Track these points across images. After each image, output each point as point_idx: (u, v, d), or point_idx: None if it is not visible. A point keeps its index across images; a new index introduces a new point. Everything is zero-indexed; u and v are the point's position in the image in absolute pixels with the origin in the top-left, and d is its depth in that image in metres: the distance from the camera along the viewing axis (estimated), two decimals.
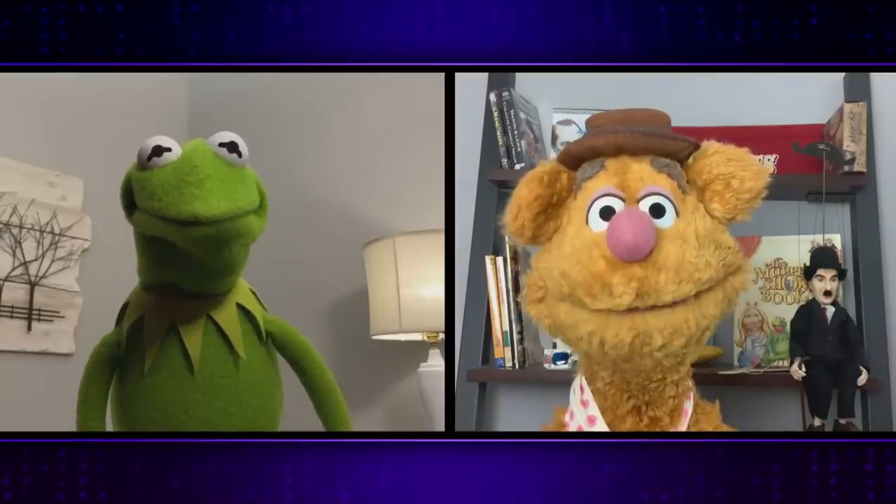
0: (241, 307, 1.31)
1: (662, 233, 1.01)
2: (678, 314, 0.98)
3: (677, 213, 1.06)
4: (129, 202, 1.23)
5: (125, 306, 1.33)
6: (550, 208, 1.14)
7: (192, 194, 1.13)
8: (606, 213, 1.06)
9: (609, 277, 0.97)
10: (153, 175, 1.17)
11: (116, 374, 1.30)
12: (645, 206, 1.06)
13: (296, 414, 1.42)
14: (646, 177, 1.08)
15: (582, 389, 1.17)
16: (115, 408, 1.30)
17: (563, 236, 1.11)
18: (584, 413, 1.15)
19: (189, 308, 1.26)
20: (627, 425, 1.12)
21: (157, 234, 1.19)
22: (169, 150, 1.18)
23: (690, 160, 1.13)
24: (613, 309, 0.98)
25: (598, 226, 1.06)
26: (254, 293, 1.37)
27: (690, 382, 1.17)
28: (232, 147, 1.20)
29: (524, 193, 1.13)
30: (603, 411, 1.14)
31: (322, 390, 1.36)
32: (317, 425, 1.38)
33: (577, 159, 1.16)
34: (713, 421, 1.18)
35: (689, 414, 1.13)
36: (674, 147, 1.12)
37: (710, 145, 1.12)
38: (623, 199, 1.07)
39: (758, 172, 1.08)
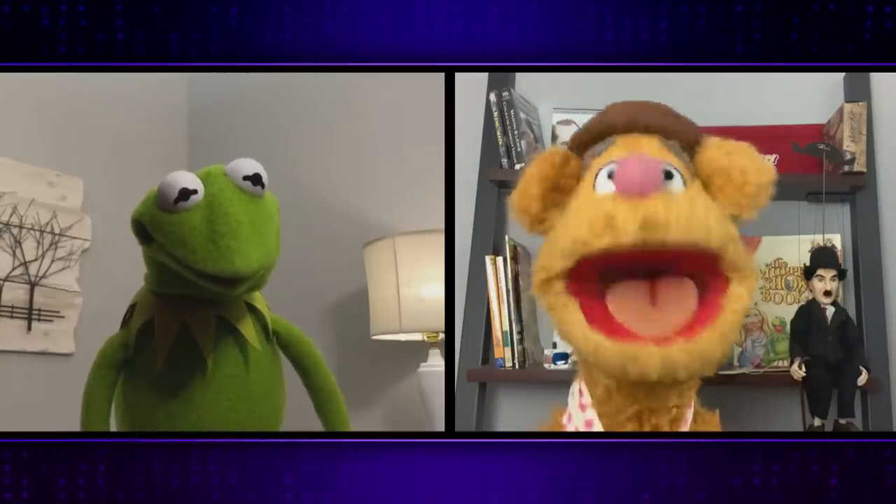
0: (250, 306, 1.31)
1: (671, 190, 0.98)
2: (702, 342, 0.94)
3: (685, 185, 1.03)
4: (144, 234, 1.22)
5: (132, 307, 1.33)
6: (557, 193, 1.11)
7: (230, 248, 1.12)
8: (614, 173, 1.02)
9: (613, 210, 0.93)
10: (180, 220, 1.15)
11: (123, 375, 1.29)
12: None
13: (296, 414, 1.42)
14: (655, 150, 1.05)
15: (581, 393, 1.15)
16: (123, 409, 1.29)
17: (568, 211, 1.08)
18: (581, 417, 1.14)
19: (200, 308, 1.25)
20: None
21: (182, 275, 1.18)
22: (195, 192, 1.16)
23: (694, 154, 1.10)
24: (618, 246, 0.93)
25: (605, 186, 1.02)
26: (260, 293, 1.37)
27: (692, 391, 1.14)
28: (256, 180, 1.20)
29: (533, 172, 1.11)
30: (601, 416, 1.12)
31: (324, 391, 1.36)
32: (317, 425, 1.38)
33: (589, 138, 1.13)
34: (713, 430, 1.17)
35: (689, 422, 1.12)
36: (685, 129, 1.09)
37: (710, 139, 1.10)
38: None
39: (762, 167, 1.04)
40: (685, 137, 1.09)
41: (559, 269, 1.02)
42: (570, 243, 0.98)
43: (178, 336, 1.24)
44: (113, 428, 1.31)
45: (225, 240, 1.12)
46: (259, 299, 1.35)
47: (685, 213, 0.93)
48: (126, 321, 1.33)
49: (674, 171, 1.02)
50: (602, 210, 0.95)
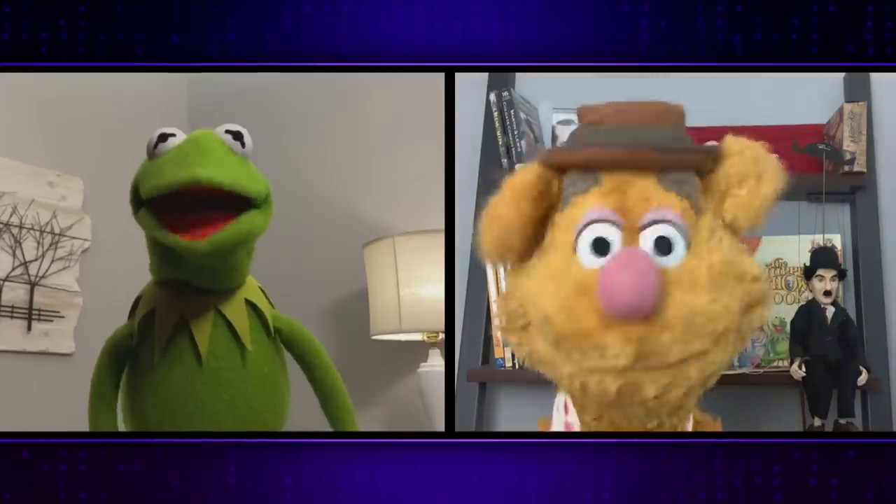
0: (249, 303, 1.32)
1: (669, 276, 0.84)
2: (678, 369, 0.85)
3: (687, 245, 0.89)
4: (137, 200, 1.24)
5: (137, 300, 1.35)
6: (539, 224, 0.96)
7: (193, 161, 1.14)
8: (600, 246, 0.89)
9: (602, 337, 0.82)
10: (160, 159, 1.19)
11: (128, 365, 1.31)
12: (648, 238, 0.89)
13: (297, 413, 1.42)
14: (651, 197, 0.90)
15: (566, 409, 1.06)
16: (125, 399, 1.31)
17: (546, 260, 0.93)
18: None
19: (199, 302, 1.27)
20: None
21: (156, 237, 1.19)
22: (174, 135, 1.20)
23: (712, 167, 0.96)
24: (606, 368, 0.84)
25: (590, 261, 0.89)
26: (262, 290, 1.38)
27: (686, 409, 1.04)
28: (237, 136, 1.22)
29: (510, 213, 0.94)
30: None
31: (327, 387, 1.37)
32: (318, 425, 1.38)
33: (568, 169, 0.97)
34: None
35: None
36: (691, 161, 0.94)
37: (733, 142, 0.96)
38: (621, 228, 0.89)
39: (779, 170, 0.94)
40: (689, 166, 0.94)
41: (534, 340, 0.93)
42: (552, 338, 0.87)
43: (176, 328, 1.26)
44: (119, 418, 1.32)
45: (191, 157, 1.15)
46: (259, 297, 1.35)
47: (681, 334, 0.82)
48: (132, 312, 1.35)
49: (672, 237, 0.88)
50: (588, 330, 0.83)
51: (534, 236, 0.95)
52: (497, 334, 1.69)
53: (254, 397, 1.28)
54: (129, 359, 1.31)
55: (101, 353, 1.32)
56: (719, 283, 0.85)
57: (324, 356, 1.39)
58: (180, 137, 1.21)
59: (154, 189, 1.16)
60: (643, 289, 0.81)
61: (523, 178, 0.96)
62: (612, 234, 0.89)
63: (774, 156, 0.95)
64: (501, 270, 1.69)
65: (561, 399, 1.08)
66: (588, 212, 0.91)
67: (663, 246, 0.88)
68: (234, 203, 1.17)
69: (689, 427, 1.06)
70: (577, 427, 1.03)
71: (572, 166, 0.96)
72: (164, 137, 1.20)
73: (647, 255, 0.86)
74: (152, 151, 1.20)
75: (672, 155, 0.93)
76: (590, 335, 0.83)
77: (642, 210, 0.89)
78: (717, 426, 1.14)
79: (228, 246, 1.17)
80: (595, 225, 0.90)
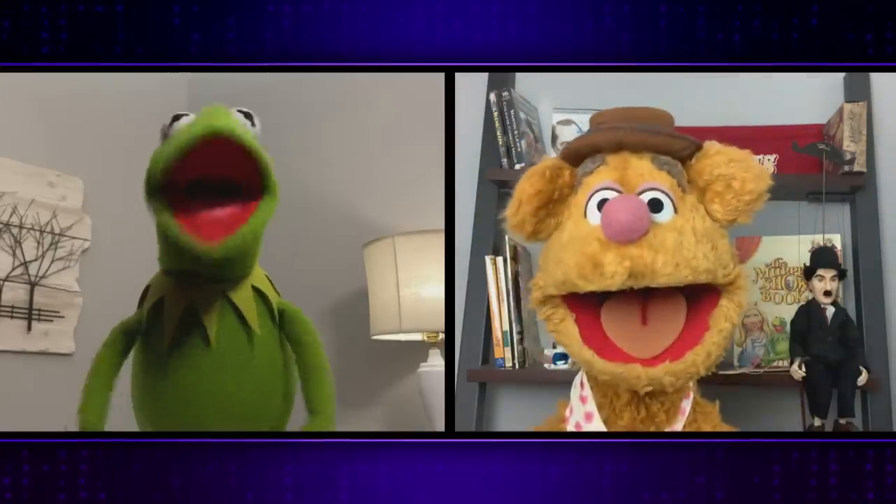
0: (256, 289, 1.33)
1: (659, 225, 1.02)
2: (687, 363, 1.01)
3: (675, 210, 1.06)
4: (151, 187, 1.23)
5: (146, 289, 1.37)
6: (552, 204, 1.15)
7: (209, 119, 1.15)
8: (604, 205, 1.06)
9: (601, 257, 0.98)
10: (172, 136, 1.20)
11: (137, 353, 1.33)
12: (643, 198, 1.06)
13: (297, 414, 1.42)
14: (645, 173, 1.09)
15: (582, 385, 1.18)
16: (137, 387, 1.33)
17: (563, 231, 1.12)
18: (582, 409, 1.16)
19: (207, 289, 1.29)
20: (625, 420, 1.12)
21: (168, 234, 1.19)
22: (186, 115, 1.23)
23: (692, 160, 1.14)
24: (606, 289, 0.98)
25: (596, 219, 1.06)
26: (269, 279, 1.40)
27: (690, 383, 1.17)
28: (247, 115, 1.25)
29: (525, 188, 1.14)
30: (601, 407, 1.14)
31: (307, 366, 1.33)
32: None
33: (578, 156, 1.17)
34: (712, 420, 1.18)
35: (687, 413, 1.14)
36: (675, 145, 1.12)
37: (711, 146, 1.13)
38: (621, 193, 1.07)
39: (759, 175, 1.09)
40: (677, 154, 1.12)
41: (553, 294, 1.09)
42: (561, 277, 1.04)
43: (184, 314, 1.27)
44: (129, 412, 1.33)
45: (205, 118, 1.16)
46: (266, 284, 1.37)
47: (671, 256, 0.97)
48: (141, 302, 1.37)
49: (663, 199, 1.06)
50: (589, 253, 0.99)
51: (546, 215, 1.14)
52: (497, 334, 1.69)
53: (261, 381, 1.29)
54: (136, 340, 1.33)
55: (110, 333, 1.33)
56: (701, 240, 1.02)
57: (314, 338, 1.36)
58: (192, 117, 1.22)
59: (173, 154, 1.15)
60: (635, 213, 0.98)
61: (538, 164, 1.16)
62: (613, 196, 1.06)
63: (754, 156, 1.11)
64: (502, 270, 1.69)
65: (578, 378, 1.20)
66: (596, 185, 1.09)
67: (655, 206, 1.04)
68: (247, 189, 1.18)
69: (688, 406, 1.14)
70: (591, 399, 1.15)
71: (582, 149, 1.15)
72: (177, 117, 1.22)
73: (641, 199, 1.03)
74: (166, 132, 1.23)
75: (661, 137, 1.11)
76: (591, 257, 0.98)
77: (639, 182, 1.07)
78: (714, 410, 1.20)
79: (241, 248, 1.19)
80: (601, 192, 1.08)
